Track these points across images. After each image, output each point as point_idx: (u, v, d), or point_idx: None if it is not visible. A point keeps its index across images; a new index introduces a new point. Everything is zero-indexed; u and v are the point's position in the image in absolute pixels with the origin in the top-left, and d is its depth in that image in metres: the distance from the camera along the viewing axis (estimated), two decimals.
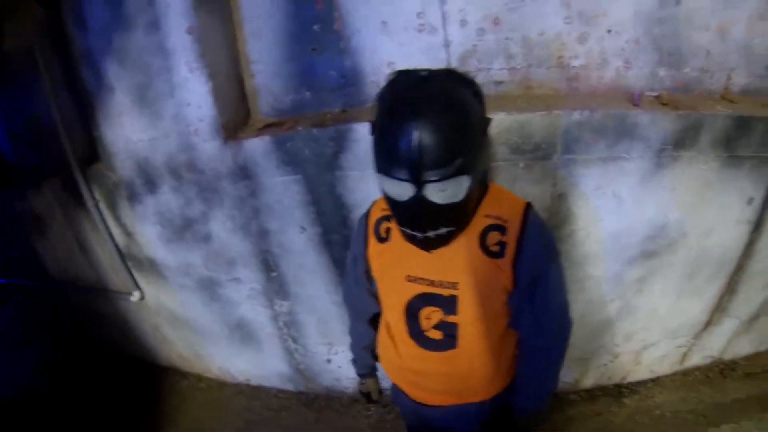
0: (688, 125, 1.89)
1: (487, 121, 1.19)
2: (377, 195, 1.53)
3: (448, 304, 1.36)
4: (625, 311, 2.44)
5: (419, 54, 1.93)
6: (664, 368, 2.93)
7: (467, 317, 1.37)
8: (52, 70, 2.31)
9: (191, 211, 2.31)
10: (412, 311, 1.42)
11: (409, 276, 1.38)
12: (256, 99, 2.15)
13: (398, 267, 1.40)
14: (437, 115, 1.06)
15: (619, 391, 2.90)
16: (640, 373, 2.90)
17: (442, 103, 1.08)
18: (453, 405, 1.56)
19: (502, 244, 1.29)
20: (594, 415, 2.79)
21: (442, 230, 1.21)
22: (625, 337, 2.59)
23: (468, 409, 1.55)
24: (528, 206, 1.33)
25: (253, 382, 3.08)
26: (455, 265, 1.32)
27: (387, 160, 1.13)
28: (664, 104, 1.91)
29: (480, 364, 1.46)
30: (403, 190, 1.13)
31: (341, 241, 2.19)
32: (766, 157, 2.07)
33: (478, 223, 1.30)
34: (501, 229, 1.30)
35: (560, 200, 1.99)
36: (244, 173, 2.09)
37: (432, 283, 1.36)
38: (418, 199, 1.12)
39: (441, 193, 1.11)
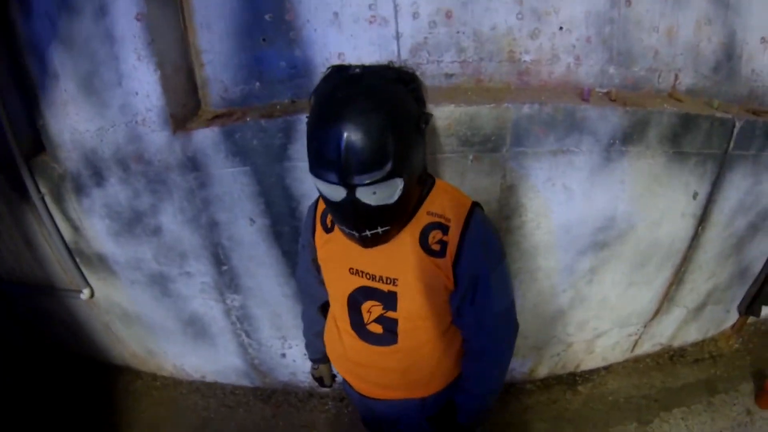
0: (636, 121, 1.91)
1: (425, 118, 1.15)
2: None
3: (388, 299, 1.34)
4: (577, 301, 2.46)
5: (370, 46, 1.89)
6: (616, 356, 2.98)
7: (406, 314, 1.35)
8: None
9: (140, 204, 2.22)
10: (353, 303, 1.40)
11: (351, 268, 1.37)
12: (206, 89, 2.07)
13: (342, 258, 1.38)
14: (366, 118, 1.02)
15: (573, 379, 2.95)
16: (593, 361, 2.94)
17: (372, 103, 1.04)
18: (395, 399, 1.55)
19: (443, 243, 1.27)
20: (549, 404, 2.83)
21: (379, 229, 1.18)
22: (578, 326, 2.62)
23: (411, 404, 1.55)
24: (474, 206, 1.31)
25: (209, 378, 3.01)
26: (395, 261, 1.30)
27: (317, 163, 1.09)
28: (613, 100, 1.92)
29: (421, 361, 1.45)
30: (335, 192, 1.11)
31: (291, 232, 2.15)
32: (709, 154, 2.11)
33: (420, 220, 1.28)
34: (443, 228, 1.27)
35: (510, 192, 1.98)
36: (192, 164, 2.02)
37: (373, 278, 1.34)
38: (351, 201, 1.10)
39: (373, 195, 1.09)
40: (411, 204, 1.24)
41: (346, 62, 1.89)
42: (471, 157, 1.88)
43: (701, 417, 2.80)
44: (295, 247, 2.09)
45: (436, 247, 1.27)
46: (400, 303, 1.33)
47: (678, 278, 2.58)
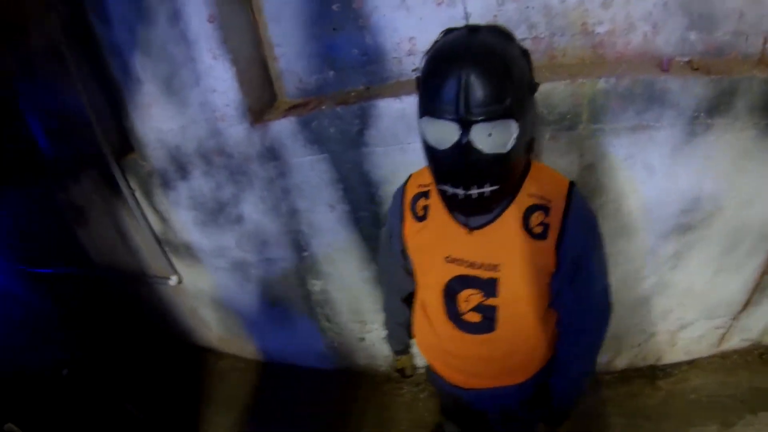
0: (722, 91, 1.72)
1: (533, 85, 1.08)
2: (403, 170, 1.43)
3: (488, 286, 1.26)
4: (661, 287, 2.28)
5: (439, 28, 1.78)
6: (700, 350, 2.75)
7: (507, 300, 1.27)
8: (81, 66, 2.27)
9: (223, 195, 2.28)
10: (450, 293, 1.32)
11: (448, 257, 1.28)
12: (281, 81, 2.10)
13: (437, 247, 1.29)
14: (485, 57, 0.98)
15: (653, 372, 2.74)
16: (676, 354, 2.73)
17: (491, 48, 1.00)
18: (490, 388, 1.46)
19: (545, 225, 1.18)
20: (628, 397, 2.64)
21: (486, 188, 1.08)
22: (661, 316, 2.43)
23: (505, 392, 1.46)
24: (572, 185, 1.22)
25: (289, 360, 3.04)
26: (497, 246, 1.22)
27: (432, 100, 1.02)
28: (695, 69, 1.73)
29: (519, 347, 1.37)
30: (448, 134, 1.02)
31: (369, 218, 2.12)
32: None
33: (522, 201, 1.19)
34: (545, 209, 1.18)
35: (588, 171, 1.85)
36: (271, 155, 2.04)
37: (472, 265, 1.25)
38: (463, 147, 1.01)
39: (488, 138, 1.00)
40: (519, 167, 1.16)
41: (416, 47, 1.84)
42: (547, 136, 1.77)
43: None
44: (375, 232, 2.06)
45: (539, 230, 1.19)
46: (501, 289, 1.25)
47: None
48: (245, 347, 3.12)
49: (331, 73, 1.99)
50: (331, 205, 2.12)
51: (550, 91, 1.69)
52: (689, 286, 2.30)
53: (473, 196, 1.08)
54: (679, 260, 2.17)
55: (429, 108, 1.03)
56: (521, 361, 1.41)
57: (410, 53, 1.88)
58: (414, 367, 1.81)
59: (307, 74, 2.03)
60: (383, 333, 1.71)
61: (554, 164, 1.79)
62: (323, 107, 1.91)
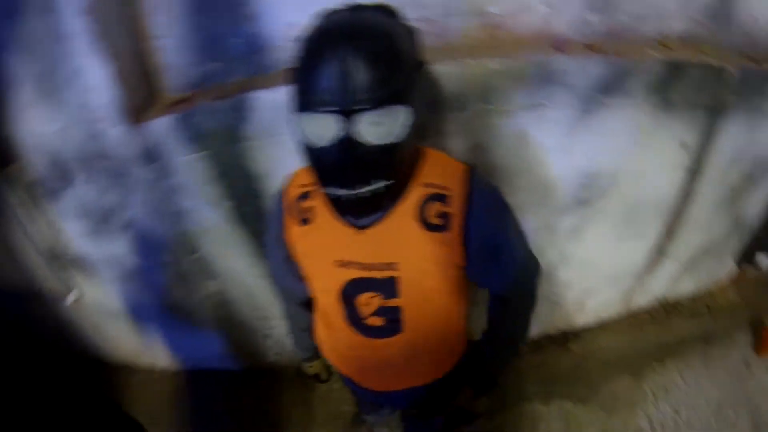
0: (618, 71, 1.71)
1: (420, 64, 1.01)
2: (285, 162, 1.35)
3: (387, 287, 1.15)
4: (562, 260, 2.31)
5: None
6: (608, 312, 2.84)
7: (411, 299, 1.17)
8: None
9: (108, 201, 2.08)
10: (347, 298, 1.20)
11: (339, 261, 1.15)
12: (164, 76, 1.89)
13: (326, 251, 1.17)
14: (368, 36, 0.90)
15: (564, 338, 2.82)
16: (585, 318, 2.81)
17: (372, 27, 0.92)
18: (405, 389, 1.39)
19: (445, 216, 1.08)
20: (541, 365, 2.70)
21: (378, 185, 0.97)
22: (565, 286, 2.47)
23: (422, 390, 1.40)
24: (472, 170, 1.12)
25: (202, 366, 2.88)
26: (391, 243, 1.11)
27: (307, 90, 0.91)
28: (594, 51, 1.71)
29: (431, 346, 1.29)
30: (328, 129, 0.90)
31: (254, 213, 2.01)
32: (701, 103, 1.92)
33: (415, 193, 1.08)
34: (442, 198, 1.08)
35: (480, 152, 1.79)
36: (153, 155, 1.86)
37: (366, 267, 1.14)
38: (346, 141, 0.90)
39: (375, 128, 0.90)
40: (411, 157, 1.07)
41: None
42: (437, 119, 1.69)
43: (697, 369, 2.69)
44: (261, 227, 1.96)
45: (438, 221, 1.08)
46: (402, 288, 1.15)
47: (670, 232, 2.41)
48: (157, 358, 2.93)
49: (215, 64, 1.83)
50: (216, 203, 2.00)
51: (440, 73, 1.61)
52: (591, 256, 2.34)
53: (363, 196, 0.97)
54: (578, 233, 2.19)
55: (304, 100, 0.92)
56: (436, 360, 1.35)
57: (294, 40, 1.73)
58: (328, 371, 1.72)
59: (191, 67, 1.85)
60: (291, 339, 1.63)
61: (445, 147, 1.73)
62: (200, 102, 1.77)
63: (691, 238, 2.50)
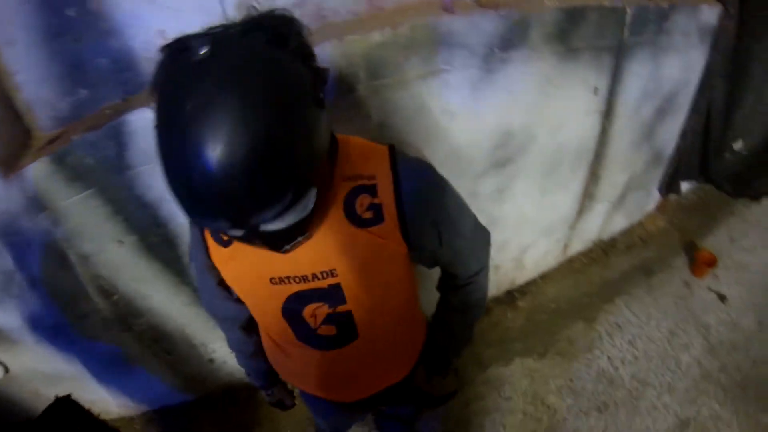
0: (514, 25, 1.62)
1: (322, 78, 0.78)
2: None
3: (331, 295, 1.03)
4: (491, 224, 2.21)
5: (191, 14, 1.47)
6: (548, 263, 2.86)
7: (359, 302, 1.06)
8: None
9: (6, 263, 1.84)
10: (291, 315, 1.08)
11: (272, 278, 1.01)
12: (32, 114, 1.61)
13: (256, 270, 1.02)
14: (241, 134, 0.63)
15: (511, 297, 2.82)
16: (527, 274, 2.81)
17: (241, 107, 0.63)
18: (374, 393, 1.29)
19: (375, 208, 0.95)
20: (492, 327, 2.70)
21: (299, 239, 0.84)
22: (499, 249, 2.43)
23: (391, 390, 1.30)
24: (392, 150, 0.98)
25: (154, 406, 2.70)
26: (324, 249, 0.97)
27: (189, 209, 0.70)
28: (485, 6, 1.61)
29: (394, 343, 1.22)
30: (229, 232, 0.76)
31: (162, 242, 1.84)
32: (604, 46, 1.89)
33: (338, 190, 0.94)
34: (369, 189, 0.94)
35: (381, 131, 1.67)
36: (38, 204, 1.63)
37: (304, 279, 1.01)
38: (254, 235, 0.76)
39: (282, 221, 0.75)
40: (329, 191, 0.91)
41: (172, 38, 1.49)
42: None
43: (644, 300, 2.78)
44: (172, 254, 1.80)
45: (369, 215, 0.95)
46: (348, 293, 1.03)
47: (594, 175, 2.41)
48: (107, 408, 2.70)
49: (84, 91, 1.56)
50: (119, 240, 1.80)
51: (319, 55, 1.44)
52: (520, 214, 2.30)
53: (288, 249, 0.86)
54: (503, 194, 2.14)
55: (187, 214, 0.72)
56: (402, 355, 1.28)
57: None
58: (291, 395, 1.60)
59: (59, 99, 1.58)
60: (242, 369, 1.49)
61: (340, 132, 1.60)
62: (73, 137, 1.53)
63: (615, 178, 2.51)
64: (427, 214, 1.00)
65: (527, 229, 2.43)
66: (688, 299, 2.75)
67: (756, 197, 2.95)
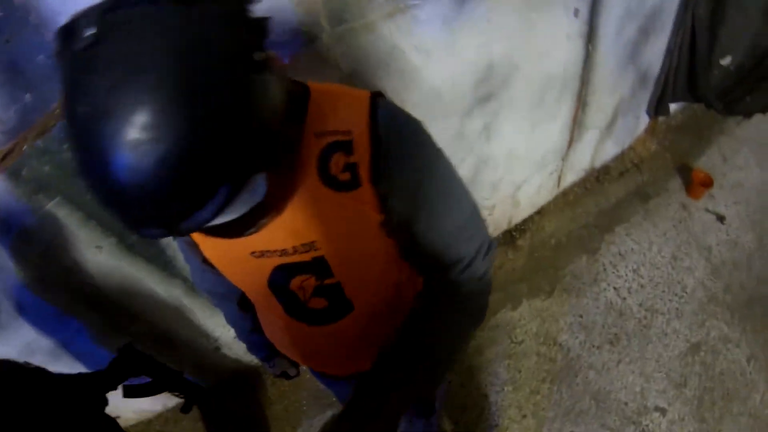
0: None
1: (260, 36, 0.62)
2: None
3: (317, 267, 0.92)
4: (482, 163, 2.16)
5: None
6: (544, 198, 2.79)
7: (347, 274, 0.95)
8: None
9: None
10: (278, 288, 0.98)
11: (253, 252, 0.91)
12: None
13: (236, 245, 0.88)
14: (147, 138, 0.52)
15: (510, 236, 2.76)
16: (523, 211, 2.74)
17: (142, 106, 0.51)
18: (361, 371, 1.19)
19: (352, 168, 0.80)
20: (495, 271, 2.64)
21: (262, 222, 0.77)
22: (493, 188, 2.35)
23: None
24: (374, 98, 0.83)
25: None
26: (301, 221, 0.85)
27: (116, 216, 0.60)
28: None
29: (386, 317, 1.09)
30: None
31: (139, 239, 1.71)
32: None
33: (310, 149, 0.80)
34: (345, 146, 0.79)
35: (354, 79, 1.53)
36: (6, 225, 1.52)
37: (285, 252, 0.90)
38: (202, 231, 0.70)
39: (227, 215, 0.66)
40: (293, 159, 0.79)
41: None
42: (287, 62, 1.39)
43: (643, 226, 2.74)
44: (157, 249, 1.70)
45: (346, 177, 0.80)
46: (334, 265, 0.92)
47: (582, 102, 2.31)
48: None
49: (28, 95, 1.43)
50: (97, 246, 1.69)
51: (272, 9, 1.23)
52: (510, 150, 2.21)
53: (253, 232, 0.79)
54: (490, 131, 2.04)
55: (117, 220, 0.61)
56: (392, 330, 1.12)
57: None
58: (296, 366, 1.52)
59: (3, 110, 1.42)
60: (232, 332, 1.40)
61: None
62: (25, 147, 1.39)
63: (603, 103, 2.40)
64: (407, 179, 0.82)
65: (518, 165, 2.34)
66: (686, 222, 2.71)
67: (747, 114, 2.86)
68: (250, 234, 0.77)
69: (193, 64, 0.53)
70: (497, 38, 1.72)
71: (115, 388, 1.63)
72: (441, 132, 1.85)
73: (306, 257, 0.90)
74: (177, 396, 1.95)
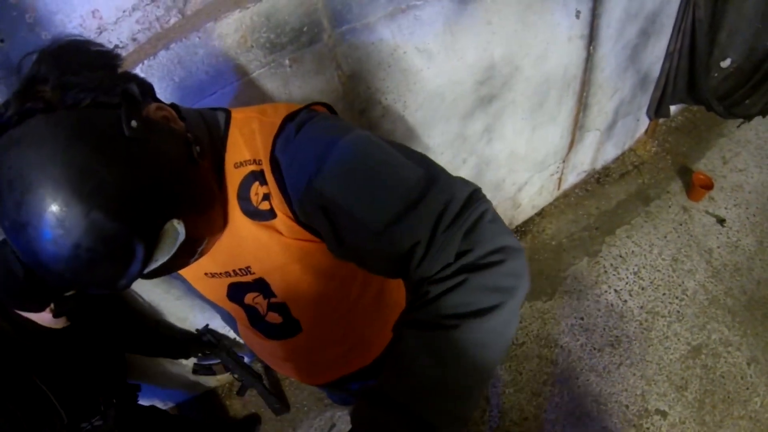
0: None
1: (138, 99, 0.68)
2: None
3: (260, 286, 0.93)
4: (484, 165, 2.15)
5: None
6: (544, 199, 2.78)
7: (288, 296, 0.95)
8: None
9: None
10: (238, 302, 1.00)
11: (207, 273, 0.94)
12: None
13: (190, 268, 0.87)
14: (53, 228, 0.60)
15: None
16: (524, 212, 2.73)
17: (41, 202, 0.59)
18: (337, 380, 1.19)
19: (267, 198, 0.79)
20: None
21: (197, 254, 0.78)
22: (495, 189, 2.34)
23: (362, 374, 1.18)
24: (287, 119, 0.80)
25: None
26: (234, 248, 0.86)
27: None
28: None
29: (342, 337, 1.08)
30: None
31: None
32: None
33: (231, 180, 0.81)
34: (259, 176, 0.79)
35: (354, 81, 1.51)
36: None
37: (229, 274, 0.91)
38: (143, 276, 0.71)
39: (156, 262, 0.68)
40: (213, 196, 0.78)
41: (105, 21, 1.26)
42: (287, 62, 1.37)
43: (644, 228, 2.72)
44: None
45: (265, 206, 0.79)
46: (274, 287, 0.93)
47: (583, 104, 2.29)
48: None
49: None
50: None
51: (272, 10, 1.26)
52: (511, 152, 2.19)
53: (190, 263, 0.81)
54: (492, 133, 2.02)
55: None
56: (360, 345, 1.13)
57: (100, 29, 1.27)
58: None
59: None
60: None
61: (310, 90, 1.43)
62: None
63: (603, 105, 2.39)
64: (300, 184, 0.74)
65: (520, 166, 2.32)
66: (687, 224, 2.69)
67: (747, 116, 2.84)
68: (195, 261, 0.79)
69: (71, 162, 0.60)
70: (498, 40, 1.70)
71: (187, 358, 2.03)
72: (443, 134, 1.85)
73: (248, 278, 0.91)
74: (236, 379, 2.20)
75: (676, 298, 2.42)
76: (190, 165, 0.73)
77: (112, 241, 0.62)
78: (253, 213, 0.81)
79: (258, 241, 0.83)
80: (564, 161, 2.55)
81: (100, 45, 0.70)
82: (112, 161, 0.62)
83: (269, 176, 0.78)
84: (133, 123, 0.65)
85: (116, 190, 0.62)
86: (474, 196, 0.67)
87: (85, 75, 0.65)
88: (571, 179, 2.79)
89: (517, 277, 0.64)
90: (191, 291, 1.09)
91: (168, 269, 0.75)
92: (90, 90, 0.64)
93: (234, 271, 0.90)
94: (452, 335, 0.61)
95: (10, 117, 0.62)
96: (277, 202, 0.78)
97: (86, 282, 0.66)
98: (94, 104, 0.64)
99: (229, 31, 1.23)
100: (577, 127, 2.38)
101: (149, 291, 1.89)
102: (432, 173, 0.69)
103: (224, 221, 0.82)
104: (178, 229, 0.68)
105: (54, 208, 0.59)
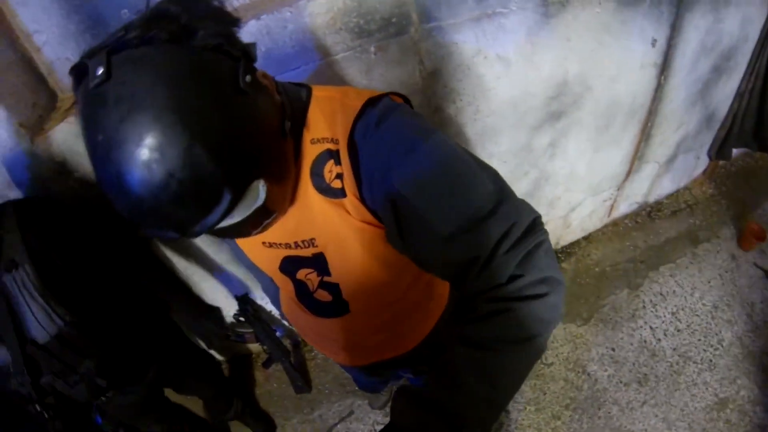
0: None
1: (247, 62, 0.71)
2: None
3: (317, 263, 0.97)
4: (543, 180, 2.17)
5: None
6: (594, 224, 2.77)
7: (343, 275, 0.99)
8: None
9: None
10: (289, 275, 1.05)
11: (264, 242, 0.98)
12: (55, 74, 1.49)
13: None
14: (157, 158, 0.61)
15: (556, 257, 2.71)
16: (572, 234, 2.73)
17: (149, 133, 0.60)
18: (371, 363, 1.23)
19: (341, 177, 0.82)
20: None
21: (265, 223, 0.82)
22: (549, 205, 2.36)
23: (399, 359, 1.22)
24: (368, 104, 0.83)
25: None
26: (302, 218, 0.89)
27: (132, 221, 0.69)
28: None
29: (385, 323, 1.12)
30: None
31: None
32: None
33: (306, 155, 0.84)
34: (335, 155, 0.82)
35: (434, 78, 1.56)
36: (66, 169, 1.55)
37: (289, 246, 0.96)
38: (211, 232, 0.75)
39: (231, 219, 0.72)
40: (291, 167, 0.83)
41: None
42: (373, 49, 1.42)
43: (689, 270, 2.67)
44: None
45: (337, 185, 0.83)
46: (332, 265, 0.97)
47: (646, 134, 2.29)
48: None
49: None
50: None
51: None
52: (571, 170, 2.21)
53: (259, 232, 0.85)
54: (556, 149, 2.05)
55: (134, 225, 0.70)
56: (401, 333, 1.17)
57: None
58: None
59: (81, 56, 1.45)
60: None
61: (390, 79, 1.49)
62: None
63: (666, 137, 2.38)
64: (377, 178, 0.79)
65: (576, 186, 2.33)
66: (733, 273, 2.63)
67: None
68: (257, 234, 0.84)
69: (185, 94, 0.63)
70: (574, 57, 1.74)
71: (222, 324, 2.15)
72: (509, 143, 1.89)
73: (307, 252, 0.95)
74: (264, 351, 2.26)
75: (711, 346, 2.37)
76: (279, 133, 0.77)
77: (205, 181, 0.64)
78: (324, 189, 0.84)
79: (326, 215, 0.87)
80: (619, 189, 2.55)
81: (221, 2, 0.73)
82: (224, 106, 0.66)
83: (344, 157, 0.81)
84: (248, 78, 0.69)
85: (222, 135, 0.65)
86: (536, 222, 0.75)
87: (210, 24, 0.67)
88: (623, 208, 2.78)
89: (557, 309, 0.75)
90: (239, 257, 1.16)
91: (233, 232, 0.80)
92: (216, 36, 0.67)
93: (296, 243, 0.94)
94: (496, 358, 0.72)
95: (132, 38, 0.63)
96: (350, 183, 0.82)
97: (163, 217, 0.66)
98: (218, 50, 0.67)
99: (320, 11, 1.30)
100: (637, 156, 2.38)
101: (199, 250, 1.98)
102: (503, 192, 0.76)
103: (292, 201, 0.87)
104: (260, 192, 0.72)
105: (158, 132, 0.60)
